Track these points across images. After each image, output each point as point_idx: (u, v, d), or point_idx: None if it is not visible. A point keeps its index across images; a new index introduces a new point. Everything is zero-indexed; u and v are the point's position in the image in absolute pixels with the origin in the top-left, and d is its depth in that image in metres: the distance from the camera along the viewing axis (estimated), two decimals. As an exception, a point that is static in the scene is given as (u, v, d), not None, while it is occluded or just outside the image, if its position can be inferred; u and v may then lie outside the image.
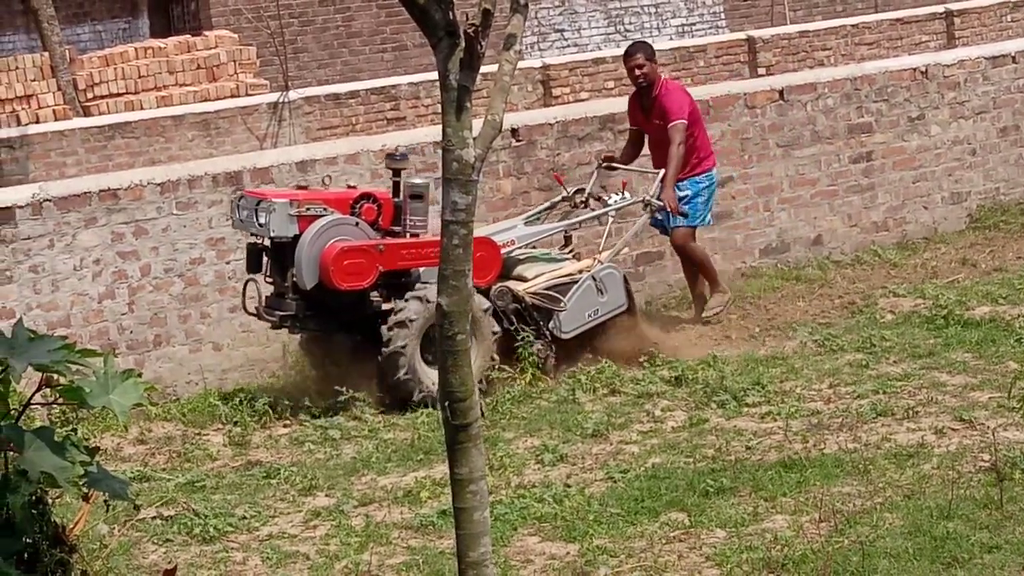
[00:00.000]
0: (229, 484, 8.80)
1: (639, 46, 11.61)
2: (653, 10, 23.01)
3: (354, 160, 11.50)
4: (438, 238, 10.33)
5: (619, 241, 11.21)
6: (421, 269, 10.19)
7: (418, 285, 10.08)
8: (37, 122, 17.46)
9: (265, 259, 10.26)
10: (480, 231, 10.86)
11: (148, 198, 10.82)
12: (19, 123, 17.47)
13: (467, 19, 4.54)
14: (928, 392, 9.29)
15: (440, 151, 4.75)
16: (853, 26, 21.29)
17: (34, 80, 17.99)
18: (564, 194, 11.30)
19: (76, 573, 3.83)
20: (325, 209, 10.01)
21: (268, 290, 10.28)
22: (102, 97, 18.23)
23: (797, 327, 11.10)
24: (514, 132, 12.10)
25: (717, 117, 12.73)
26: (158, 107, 17.93)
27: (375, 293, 10.03)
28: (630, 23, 22.81)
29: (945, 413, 8.86)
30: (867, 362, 10.06)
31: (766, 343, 10.88)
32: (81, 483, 3.59)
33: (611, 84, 18.96)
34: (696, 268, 11.52)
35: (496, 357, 10.09)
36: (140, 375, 3.67)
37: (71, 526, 3.89)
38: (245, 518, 8.14)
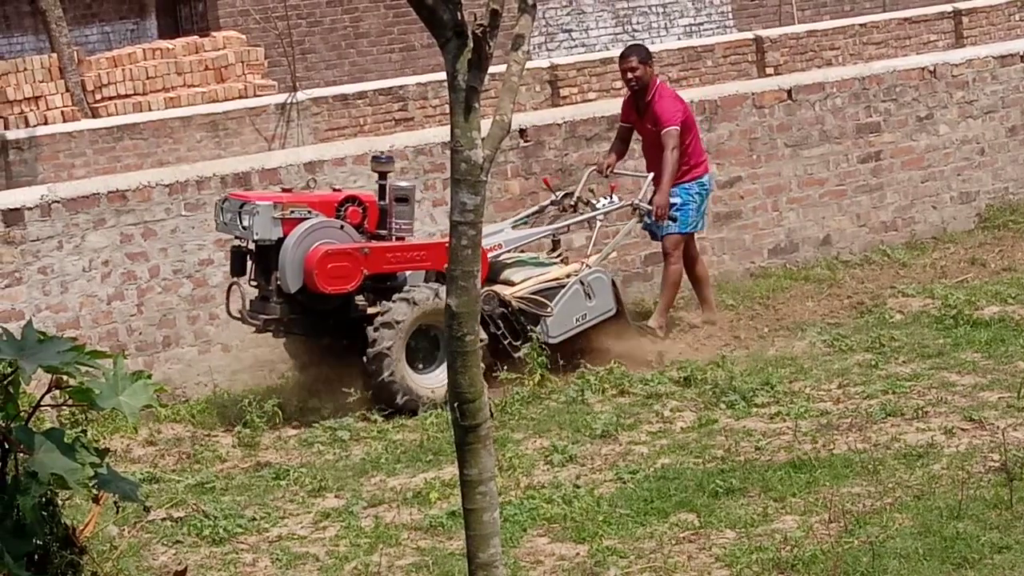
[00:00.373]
0: (239, 485, 8.80)
1: (634, 49, 11.56)
2: (661, 10, 23.01)
3: (362, 161, 11.48)
4: (424, 241, 10.38)
5: (607, 245, 11.14)
6: (407, 273, 10.12)
7: (406, 287, 10.01)
8: (45, 123, 17.49)
9: (249, 262, 10.13)
10: None
11: (157, 199, 10.82)
12: (27, 124, 17.50)
13: (475, 19, 4.54)
14: (938, 392, 9.28)
15: (448, 152, 4.74)
16: (861, 25, 21.27)
17: (42, 81, 18.02)
18: (553, 198, 11.22)
19: (86, 574, 3.84)
20: (310, 212, 9.90)
21: (252, 293, 10.17)
22: (110, 98, 18.26)
23: (806, 327, 11.08)
24: (522, 133, 12.09)
25: (725, 117, 12.73)
26: (166, 108, 17.95)
27: (360, 297, 9.89)
28: (638, 23, 22.81)
29: (955, 413, 8.85)
30: (876, 362, 10.05)
31: (775, 343, 10.86)
32: (91, 484, 3.59)
33: (619, 84, 18.86)
34: (697, 278, 11.44)
35: (483, 364, 9.95)
36: (150, 376, 3.67)
37: (81, 527, 3.89)
38: (255, 519, 8.14)
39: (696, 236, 11.60)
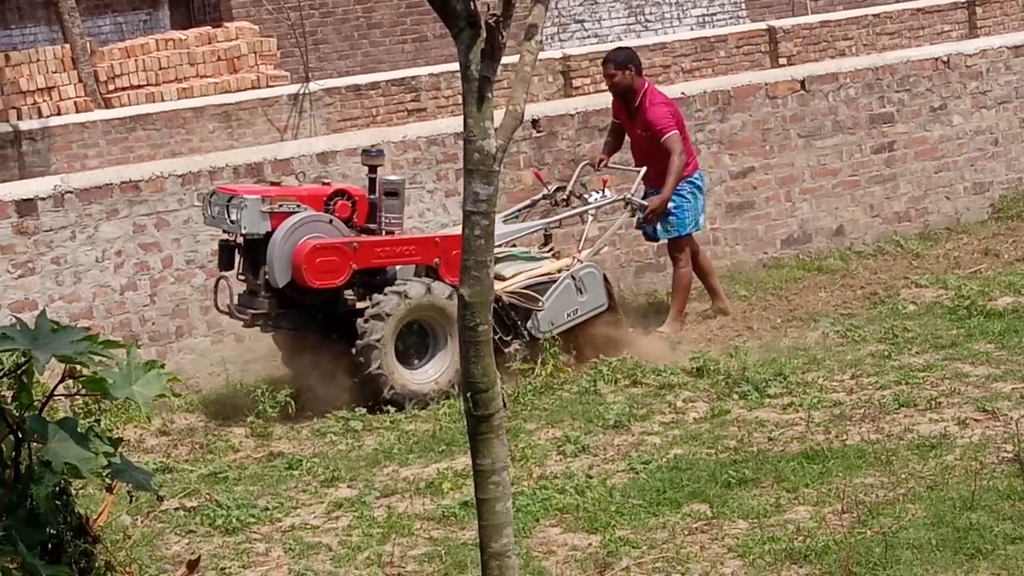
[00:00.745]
0: (251, 475, 8.81)
1: (613, 54, 11.41)
2: (674, 0, 22.97)
3: (375, 151, 11.47)
4: (413, 236, 10.33)
5: (599, 240, 11.07)
6: (397, 267, 10.04)
7: (397, 281, 9.92)
8: (58, 114, 17.50)
9: (237, 256, 10.07)
10: (457, 229, 10.79)
11: (169, 190, 10.83)
12: (40, 115, 17.51)
13: (488, 9, 4.53)
14: (951, 383, 9.26)
15: (461, 142, 4.74)
16: (874, 16, 21.22)
17: (55, 72, 18.02)
18: (545, 192, 11.14)
19: (100, 564, 3.84)
20: (298, 206, 9.82)
21: (241, 287, 10.10)
22: (123, 89, 18.26)
23: (819, 318, 11.07)
24: (535, 123, 12.09)
25: (738, 107, 12.71)
26: (179, 99, 17.95)
27: (349, 291, 9.81)
28: (650, 13, 22.77)
29: (968, 404, 8.84)
30: (889, 353, 10.04)
31: (788, 334, 10.85)
32: (104, 474, 3.59)
33: (632, 75, 18.89)
34: (702, 271, 11.40)
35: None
36: (163, 366, 3.67)
37: (95, 517, 3.90)
38: (267, 509, 8.15)
39: (705, 227, 11.56)
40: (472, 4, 4.54)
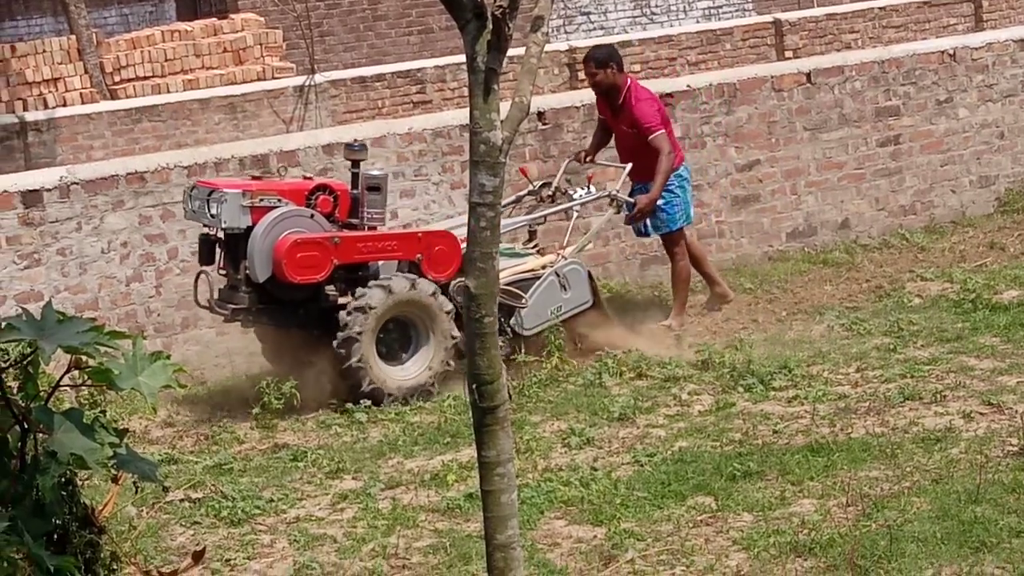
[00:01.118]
0: (256, 467, 8.82)
1: (594, 52, 11.30)
2: (680, -7, 22.94)
3: (380, 143, 11.49)
4: (396, 231, 10.28)
5: (584, 236, 11.02)
6: (379, 263, 9.99)
7: (383, 275, 9.87)
8: (64, 105, 17.52)
9: (218, 250, 10.00)
10: (440, 224, 10.77)
11: (175, 181, 10.83)
12: (46, 106, 17.53)
13: (494, 1, 4.53)
14: (956, 376, 9.26)
15: (467, 134, 4.74)
16: (880, 9, 21.21)
17: (61, 63, 18.03)
18: (530, 187, 11.08)
19: (105, 554, 3.84)
20: (279, 200, 9.77)
21: (221, 282, 10.05)
22: (129, 80, 18.27)
23: (824, 311, 11.07)
24: (540, 115, 12.08)
25: (744, 100, 12.70)
26: (185, 90, 17.97)
27: (330, 287, 9.74)
28: (656, 6, 22.75)
29: (973, 397, 8.83)
30: (895, 346, 10.03)
31: (793, 327, 10.85)
32: (110, 465, 3.59)
33: (637, 67, 18.92)
34: (698, 261, 11.37)
35: (452, 363, 9.86)
36: (169, 357, 3.67)
37: (100, 507, 3.89)
38: (272, 501, 8.16)
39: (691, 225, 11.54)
40: (478, -4, 4.53)
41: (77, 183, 10.62)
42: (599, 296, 10.73)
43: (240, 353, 10.77)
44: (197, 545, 7.54)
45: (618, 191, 10.91)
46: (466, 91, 4.70)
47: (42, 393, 3.60)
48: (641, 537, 7.19)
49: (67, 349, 3.46)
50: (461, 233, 10.10)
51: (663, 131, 10.87)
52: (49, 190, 10.55)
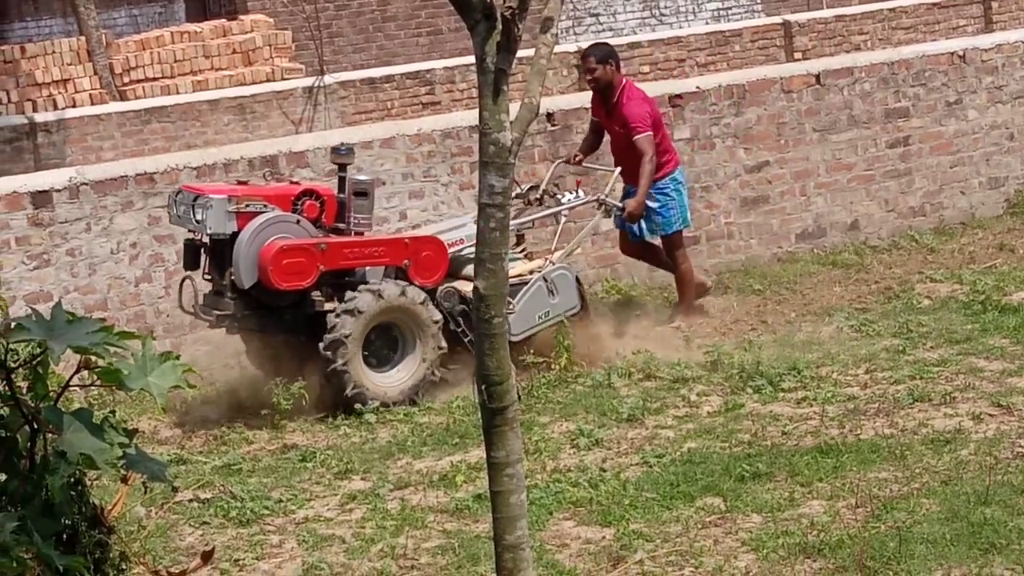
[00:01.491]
0: (265, 467, 8.83)
1: (593, 48, 11.34)
2: (689, -6, 22.92)
3: (390, 144, 11.49)
4: (383, 237, 10.22)
5: (571, 241, 10.93)
6: (366, 269, 9.92)
7: (372, 280, 9.80)
8: (74, 106, 17.52)
9: (203, 256, 9.93)
10: (428, 229, 10.73)
11: (184, 182, 10.84)
12: (56, 107, 17.54)
13: (504, 2, 4.53)
14: (965, 378, 9.25)
15: (476, 135, 4.74)
16: (890, 10, 21.17)
17: (71, 64, 18.04)
18: (518, 191, 11.00)
19: (114, 554, 3.84)
20: (265, 206, 9.70)
21: (207, 287, 10.00)
22: (138, 81, 18.27)
23: (833, 312, 11.06)
24: (549, 116, 12.08)
25: (753, 101, 12.70)
26: (194, 91, 17.96)
27: (316, 293, 9.68)
28: (665, 7, 22.73)
29: (982, 399, 8.83)
30: (904, 347, 10.02)
31: (802, 328, 10.84)
32: (119, 465, 3.59)
33: (646, 68, 18.91)
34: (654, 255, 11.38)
35: (438, 373, 9.84)
36: (178, 357, 3.67)
37: (109, 508, 3.90)
38: (281, 501, 8.16)
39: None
40: (488, -3, 4.54)
41: (86, 184, 10.63)
42: (587, 301, 10.70)
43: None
44: (206, 545, 7.55)
45: (607, 195, 10.87)
46: (475, 92, 4.70)
47: (52, 393, 3.61)
48: (650, 538, 7.19)
49: (77, 349, 3.47)
50: (447, 238, 10.12)
51: (649, 133, 10.80)
52: (59, 191, 10.56)
